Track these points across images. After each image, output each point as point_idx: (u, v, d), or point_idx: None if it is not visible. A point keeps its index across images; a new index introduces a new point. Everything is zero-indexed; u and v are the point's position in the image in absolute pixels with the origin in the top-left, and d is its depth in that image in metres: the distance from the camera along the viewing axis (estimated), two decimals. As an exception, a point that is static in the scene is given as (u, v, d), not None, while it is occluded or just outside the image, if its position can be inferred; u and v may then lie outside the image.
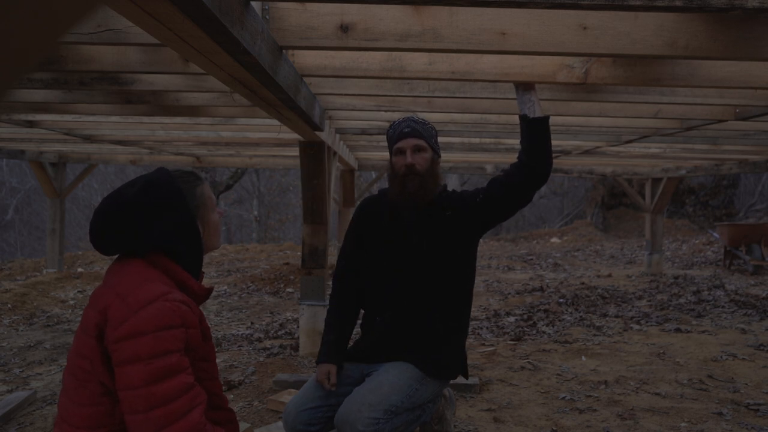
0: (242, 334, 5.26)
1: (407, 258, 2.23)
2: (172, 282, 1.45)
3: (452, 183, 18.54)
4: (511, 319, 5.82)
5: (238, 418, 3.04)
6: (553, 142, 5.66)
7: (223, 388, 3.57)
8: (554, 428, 3.01)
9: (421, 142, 2.19)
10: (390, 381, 2.09)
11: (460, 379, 3.42)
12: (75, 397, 1.39)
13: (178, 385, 1.32)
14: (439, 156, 2.30)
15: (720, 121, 3.73)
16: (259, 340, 4.99)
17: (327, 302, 4.26)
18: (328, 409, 2.15)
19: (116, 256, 1.51)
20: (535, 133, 2.15)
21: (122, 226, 1.43)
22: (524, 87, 2.29)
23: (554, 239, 16.81)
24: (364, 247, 2.33)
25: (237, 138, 5.68)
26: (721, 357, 4.29)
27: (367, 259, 2.31)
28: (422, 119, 2.28)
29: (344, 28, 1.98)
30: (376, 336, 2.26)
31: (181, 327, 1.36)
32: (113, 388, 1.35)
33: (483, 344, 4.73)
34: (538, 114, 2.19)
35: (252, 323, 5.80)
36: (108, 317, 1.34)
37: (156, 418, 1.29)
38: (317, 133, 3.72)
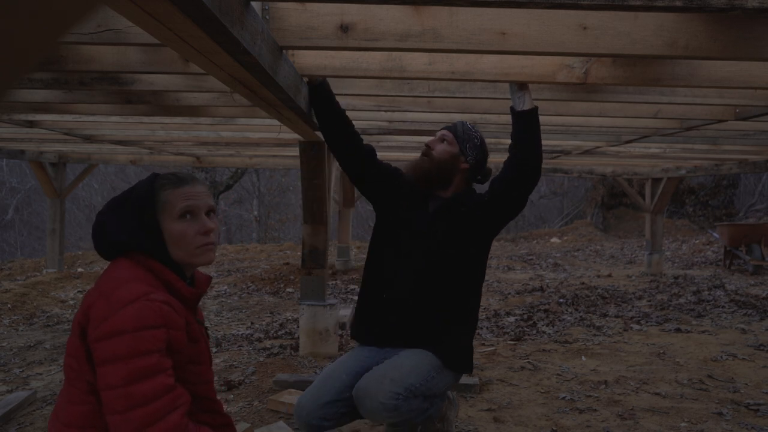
0: (242, 334, 5.26)
1: (420, 245, 2.30)
2: (160, 283, 1.44)
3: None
4: (511, 319, 5.82)
5: (238, 419, 3.05)
6: (553, 142, 5.66)
7: (223, 388, 3.57)
8: (554, 428, 3.01)
9: (449, 136, 2.36)
10: (411, 362, 2.15)
11: (462, 379, 3.42)
12: (67, 395, 1.40)
13: (158, 386, 1.31)
14: (467, 161, 2.37)
15: (720, 121, 3.73)
16: (259, 340, 4.99)
17: (327, 302, 4.28)
18: (342, 404, 2.17)
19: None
20: (524, 123, 2.25)
21: (98, 228, 1.50)
22: (519, 86, 2.35)
23: (554, 239, 16.81)
24: (384, 208, 2.45)
25: (237, 138, 5.68)
26: (721, 357, 4.29)
27: (382, 232, 2.42)
28: (473, 127, 2.42)
29: (344, 28, 1.98)
30: (388, 317, 2.30)
31: (162, 327, 1.35)
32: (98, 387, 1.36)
33: (483, 344, 4.73)
34: (527, 107, 2.28)
35: (252, 323, 5.80)
36: (90, 316, 1.35)
37: (135, 418, 1.29)
38: (317, 133, 3.72)
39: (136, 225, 1.46)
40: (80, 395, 1.37)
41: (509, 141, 2.36)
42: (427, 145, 2.34)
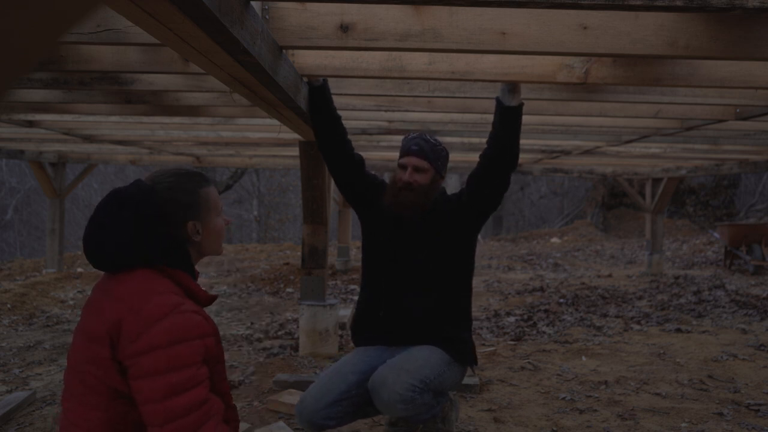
0: (242, 334, 5.26)
1: (414, 254, 2.35)
2: (181, 290, 1.44)
3: (452, 183, 18.56)
4: (512, 319, 5.82)
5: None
6: (553, 142, 5.66)
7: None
8: (554, 428, 3.01)
9: (424, 164, 2.34)
10: (423, 355, 2.20)
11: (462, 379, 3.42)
12: (86, 401, 1.38)
13: (194, 398, 1.33)
14: (442, 177, 2.43)
15: (720, 120, 3.73)
16: (259, 340, 4.99)
17: (327, 302, 4.28)
18: (348, 403, 2.19)
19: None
20: (509, 118, 2.28)
21: (108, 242, 1.41)
22: (510, 83, 2.37)
23: (554, 239, 16.81)
24: (370, 218, 2.47)
25: (237, 138, 5.68)
26: (722, 357, 4.29)
27: (373, 243, 2.45)
28: (434, 139, 2.40)
29: (344, 28, 1.98)
30: (391, 328, 2.36)
31: (196, 339, 1.36)
32: (127, 393, 1.36)
33: (483, 344, 4.72)
34: (515, 103, 2.30)
35: (252, 323, 5.80)
36: (122, 331, 1.33)
37: (171, 430, 1.30)
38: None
39: (160, 234, 1.43)
40: (103, 402, 1.36)
41: None
42: (408, 182, 2.32)
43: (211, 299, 1.52)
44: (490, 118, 4.27)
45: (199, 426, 1.33)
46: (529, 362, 4.16)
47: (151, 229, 1.42)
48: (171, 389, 1.30)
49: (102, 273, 1.49)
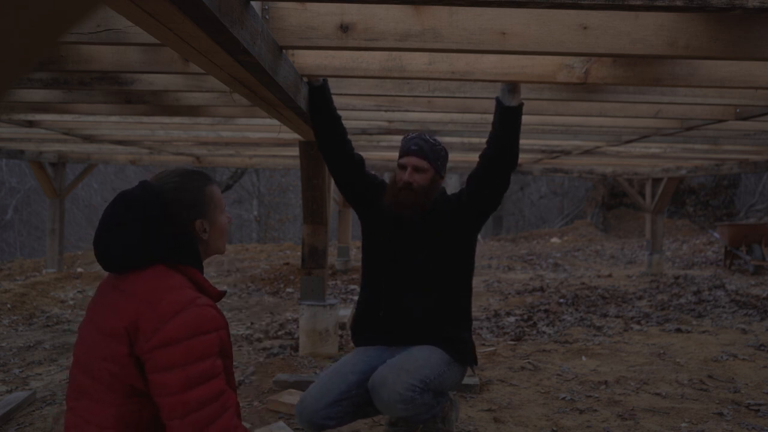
0: (242, 334, 5.26)
1: (414, 254, 2.35)
2: (193, 285, 1.45)
3: (452, 183, 18.56)
4: (512, 319, 5.82)
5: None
6: (553, 142, 5.66)
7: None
8: (554, 428, 3.01)
9: (424, 164, 2.34)
10: (423, 355, 2.20)
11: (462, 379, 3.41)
12: (99, 398, 1.39)
13: (211, 390, 1.35)
14: (442, 177, 2.43)
15: (720, 120, 3.73)
16: (259, 340, 4.99)
17: (327, 302, 4.28)
18: (348, 403, 2.19)
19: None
20: (509, 118, 2.28)
21: (126, 241, 1.43)
22: (510, 83, 2.37)
23: (554, 239, 16.81)
24: (370, 218, 2.48)
25: (237, 138, 5.68)
26: (722, 357, 4.29)
27: (373, 243, 2.46)
28: (434, 139, 2.40)
29: (344, 28, 1.98)
30: (391, 328, 2.36)
31: (212, 331, 1.38)
32: (143, 390, 1.37)
33: (483, 344, 4.72)
34: (515, 103, 2.31)
35: (252, 323, 5.80)
36: (139, 327, 1.35)
37: (191, 422, 1.32)
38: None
39: (168, 234, 1.45)
40: (118, 398, 1.37)
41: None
42: (408, 182, 2.33)
43: (221, 294, 1.54)
44: (490, 118, 4.27)
45: (217, 417, 1.35)
46: (529, 362, 4.16)
47: (158, 229, 1.44)
48: (189, 381, 1.32)
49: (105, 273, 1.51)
